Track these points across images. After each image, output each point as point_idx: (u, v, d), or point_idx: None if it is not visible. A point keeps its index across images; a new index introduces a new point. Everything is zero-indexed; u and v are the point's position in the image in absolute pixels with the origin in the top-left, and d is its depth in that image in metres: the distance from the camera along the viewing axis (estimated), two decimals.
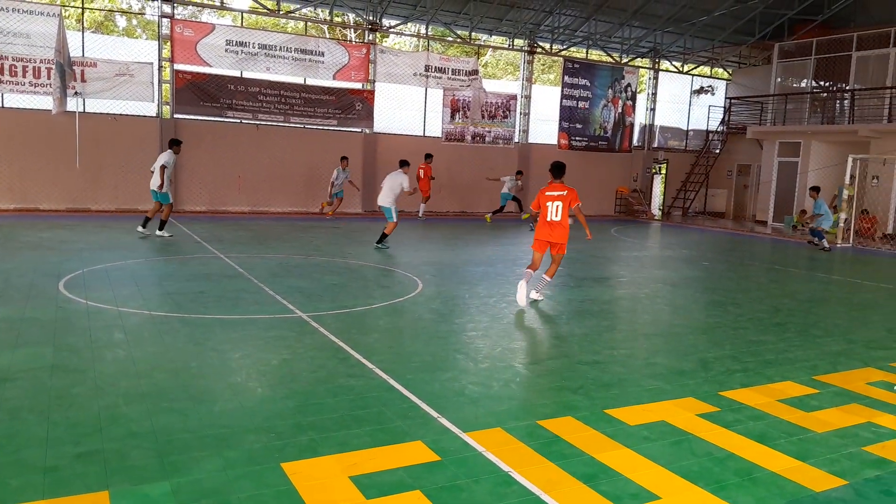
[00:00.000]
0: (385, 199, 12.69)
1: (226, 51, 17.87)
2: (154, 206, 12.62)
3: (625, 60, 24.54)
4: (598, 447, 4.05)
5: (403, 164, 13.24)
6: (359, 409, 4.48)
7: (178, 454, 3.70)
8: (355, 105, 19.62)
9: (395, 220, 12.62)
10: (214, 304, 7.32)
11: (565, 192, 8.07)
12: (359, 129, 20.02)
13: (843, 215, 17.57)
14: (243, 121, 18.33)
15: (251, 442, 3.91)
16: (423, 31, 21.63)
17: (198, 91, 17.66)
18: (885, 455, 4.15)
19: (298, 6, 19.65)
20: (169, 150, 12.60)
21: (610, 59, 24.32)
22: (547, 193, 8.14)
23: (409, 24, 21.39)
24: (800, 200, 21.55)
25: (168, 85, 17.60)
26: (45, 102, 15.53)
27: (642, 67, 25.19)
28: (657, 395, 5.05)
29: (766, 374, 5.72)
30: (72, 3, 21.44)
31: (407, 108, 20.79)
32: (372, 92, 19.81)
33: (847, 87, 21.62)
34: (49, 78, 15.57)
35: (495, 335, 6.70)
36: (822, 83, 23.25)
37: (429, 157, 19.03)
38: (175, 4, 17.69)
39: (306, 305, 7.41)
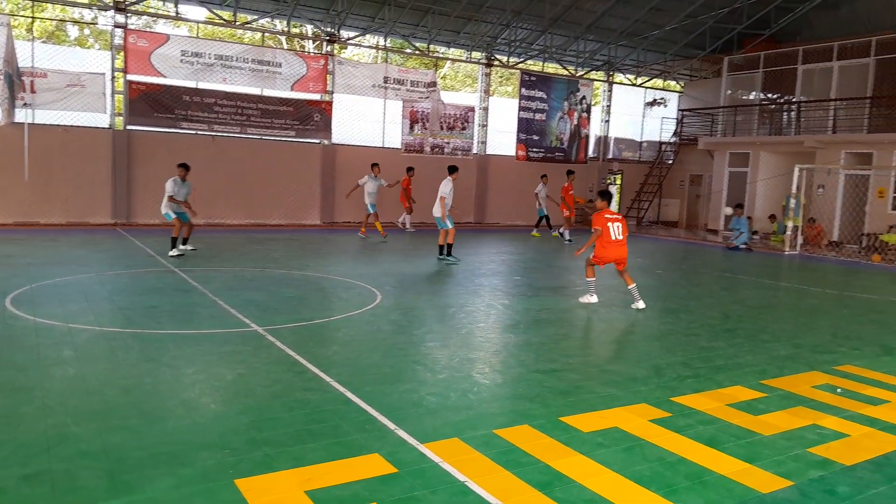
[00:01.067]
0: (436, 209, 12.88)
1: (181, 61, 17.64)
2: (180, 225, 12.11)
3: (580, 73, 24.98)
4: (554, 455, 4.11)
5: (451, 169, 13.15)
6: (315, 423, 4.46)
7: (129, 473, 3.63)
8: (313, 116, 19.54)
9: (449, 226, 12.60)
10: (168, 319, 7.20)
11: (621, 216, 9.21)
12: (317, 140, 19.94)
13: (790, 223, 18.15)
14: (199, 132, 18.09)
15: (204, 459, 3.86)
16: (381, 42, 21.69)
17: (152, 102, 17.37)
18: (828, 456, 4.30)
19: (255, 17, 19.53)
20: (173, 177, 12.25)
21: (565, 72, 24.73)
22: (607, 216, 9.00)
23: (368, 36, 21.43)
24: (749, 209, 22.19)
25: (121, 96, 17.27)
26: None
27: (597, 80, 25.68)
28: (611, 402, 5.15)
29: (717, 380, 5.88)
30: (21, 12, 20.90)
31: (366, 119, 20.79)
32: (330, 103, 19.76)
33: (793, 100, 22.41)
34: None
35: (454, 346, 6.73)
36: (769, 95, 24.04)
37: (410, 170, 18.80)
38: (129, 14, 17.40)
39: (262, 319, 7.34)
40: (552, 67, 24.67)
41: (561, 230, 18.70)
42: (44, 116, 16.42)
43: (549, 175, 19.88)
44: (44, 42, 21.12)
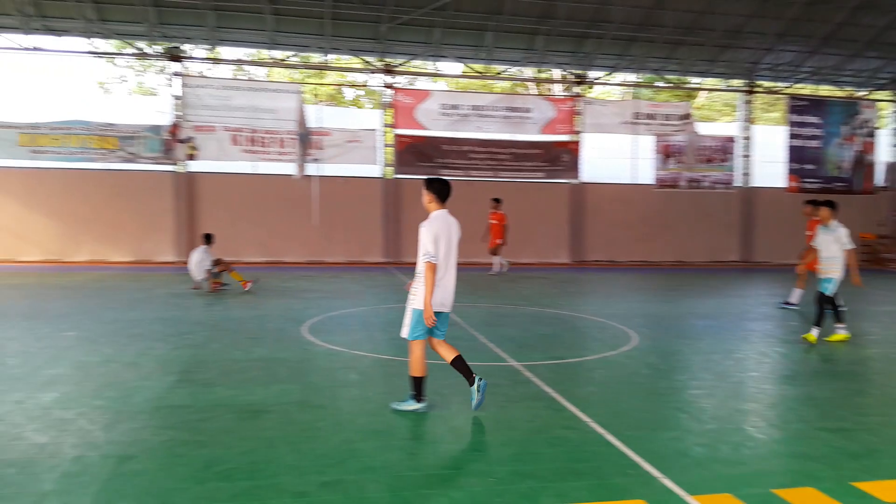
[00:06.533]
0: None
1: (440, 114, 19.18)
2: None
3: (860, 94, 22.15)
4: None
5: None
6: (576, 462, 4.43)
7: (407, 490, 3.94)
8: (562, 157, 19.87)
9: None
10: (432, 351, 7.70)
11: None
12: (566, 180, 20.19)
13: None
14: (456, 178, 19.39)
15: (472, 485, 4.04)
16: (630, 79, 21.44)
17: (415, 152, 19.08)
18: None
19: (506, 67, 20.54)
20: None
21: (842, 94, 22.11)
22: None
23: (616, 73, 21.34)
24: None
25: (390, 148, 19.22)
26: (289, 168, 17.73)
27: (883, 101, 22.53)
28: None
29: None
30: (308, 80, 24.47)
31: (615, 156, 20.61)
32: (578, 143, 19.94)
33: None
34: (291, 147, 17.80)
35: (722, 395, 6.25)
36: None
37: (497, 201, 16.80)
38: (395, 75, 19.41)
39: (519, 355, 7.52)
40: (825, 90, 22.24)
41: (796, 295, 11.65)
42: (328, 169, 18.90)
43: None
44: (327, 105, 24.37)
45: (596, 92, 25.02)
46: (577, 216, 20.17)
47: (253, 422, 5.12)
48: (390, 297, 12.46)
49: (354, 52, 19.02)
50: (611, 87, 24.45)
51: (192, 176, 18.32)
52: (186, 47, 18.30)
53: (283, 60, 20.03)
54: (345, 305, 11.05)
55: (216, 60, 19.41)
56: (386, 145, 19.30)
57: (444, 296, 5.43)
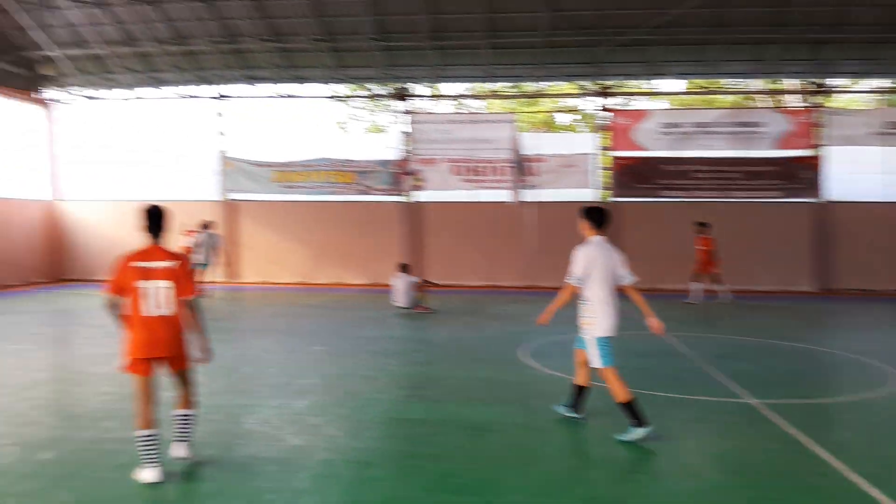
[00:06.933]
0: None
1: (660, 133, 18.46)
2: None
3: None
4: None
5: None
6: None
7: None
8: (800, 173, 18.06)
9: None
10: (656, 382, 7.38)
11: None
12: (805, 199, 18.28)
13: None
14: (678, 199, 18.46)
15: None
16: (882, 84, 18.93)
17: (633, 174, 18.54)
18: None
19: (730, 80, 19.23)
20: None
21: None
22: None
23: (863, 80, 18.99)
24: None
25: (606, 171, 18.89)
26: (505, 195, 18.16)
27: None
28: None
29: None
30: (522, 108, 24.98)
31: (868, 171, 18.21)
32: (819, 157, 17.99)
33: None
34: (507, 175, 18.25)
35: None
36: None
37: (704, 225, 15.59)
38: (610, 97, 19.11)
39: (755, 391, 6.90)
40: None
41: None
42: (543, 194, 19.05)
43: None
44: (542, 132, 24.68)
45: (840, 101, 22.51)
46: (822, 239, 18.10)
47: (479, 440, 5.29)
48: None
49: (569, 77, 19.09)
50: (856, 95, 21.80)
51: (418, 205, 19.57)
52: (411, 86, 19.71)
53: (500, 92, 20.69)
54: (562, 330, 10.94)
55: (438, 97, 20.64)
56: (602, 168, 19.02)
57: (616, 320, 5.68)
